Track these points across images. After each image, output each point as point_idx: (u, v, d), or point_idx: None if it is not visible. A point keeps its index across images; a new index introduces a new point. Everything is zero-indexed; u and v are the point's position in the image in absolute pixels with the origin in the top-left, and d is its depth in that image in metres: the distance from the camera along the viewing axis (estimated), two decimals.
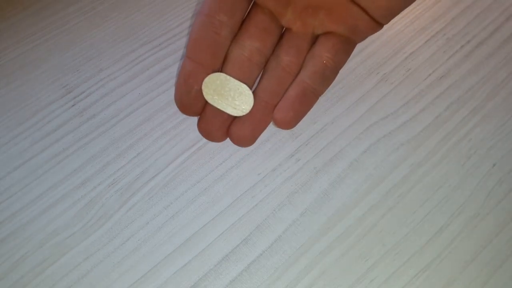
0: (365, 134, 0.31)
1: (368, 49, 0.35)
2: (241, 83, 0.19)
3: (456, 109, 0.31)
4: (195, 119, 0.32)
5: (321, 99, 0.32)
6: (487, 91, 0.32)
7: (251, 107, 0.20)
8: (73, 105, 0.34)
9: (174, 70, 0.35)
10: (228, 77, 0.19)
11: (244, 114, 0.20)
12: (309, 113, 0.31)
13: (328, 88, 0.33)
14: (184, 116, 0.33)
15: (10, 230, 0.28)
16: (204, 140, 0.31)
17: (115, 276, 0.26)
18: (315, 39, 0.20)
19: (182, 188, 0.29)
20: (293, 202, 0.28)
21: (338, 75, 0.34)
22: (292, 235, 0.27)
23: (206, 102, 0.20)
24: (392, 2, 0.18)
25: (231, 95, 0.19)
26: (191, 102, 0.19)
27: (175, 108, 0.33)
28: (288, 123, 0.20)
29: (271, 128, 0.31)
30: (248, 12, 0.20)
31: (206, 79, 0.19)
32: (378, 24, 0.19)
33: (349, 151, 0.30)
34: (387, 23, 0.19)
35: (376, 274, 0.26)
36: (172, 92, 0.34)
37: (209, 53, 0.19)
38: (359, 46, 0.35)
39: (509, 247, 0.26)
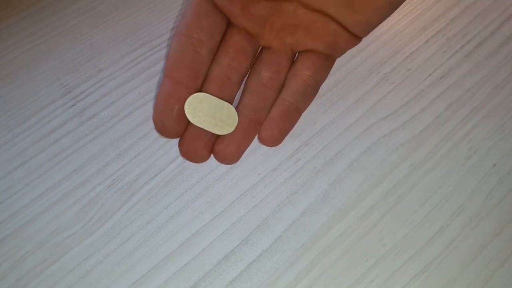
0: (365, 134, 0.31)
1: (368, 49, 0.35)
2: (224, 102, 0.19)
3: (456, 109, 0.31)
4: None
5: (321, 99, 0.32)
6: (487, 91, 0.32)
7: (236, 124, 0.20)
8: (73, 105, 0.34)
9: None
10: (211, 96, 0.19)
11: (229, 132, 0.20)
12: (309, 113, 0.31)
13: (328, 88, 0.33)
14: None
15: (10, 230, 0.28)
16: None
17: (115, 276, 0.26)
18: (294, 55, 0.20)
19: (182, 188, 0.29)
20: (293, 202, 0.28)
21: (338, 75, 0.34)
22: (292, 235, 0.27)
23: (188, 123, 0.19)
24: (370, 17, 0.18)
25: (216, 114, 0.19)
26: (173, 124, 0.19)
27: None
28: (274, 141, 0.20)
29: None
30: (225, 33, 0.20)
31: (190, 99, 0.19)
32: (357, 38, 0.19)
33: (349, 151, 0.30)
34: (365, 36, 0.19)
35: (376, 274, 0.26)
36: None
37: (190, 72, 0.19)
38: (359, 46, 0.35)
39: (509, 247, 0.26)
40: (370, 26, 0.19)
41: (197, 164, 0.30)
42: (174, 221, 0.28)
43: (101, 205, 0.29)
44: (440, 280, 0.25)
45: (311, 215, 0.28)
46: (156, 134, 0.32)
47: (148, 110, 0.33)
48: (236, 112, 0.20)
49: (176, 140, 0.31)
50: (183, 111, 0.19)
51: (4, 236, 0.28)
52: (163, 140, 0.31)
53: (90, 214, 0.29)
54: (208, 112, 0.19)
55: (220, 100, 0.19)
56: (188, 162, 0.30)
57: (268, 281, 0.26)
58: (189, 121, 0.19)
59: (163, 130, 0.19)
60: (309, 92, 0.20)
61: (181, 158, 0.30)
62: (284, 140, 0.21)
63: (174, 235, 0.28)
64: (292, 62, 0.21)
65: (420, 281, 0.25)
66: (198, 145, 0.19)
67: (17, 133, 0.32)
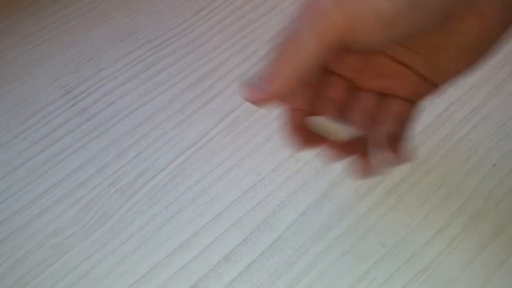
0: None
1: None
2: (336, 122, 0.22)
3: (456, 109, 0.31)
4: (195, 119, 0.32)
5: None
6: (487, 91, 0.32)
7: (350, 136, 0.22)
8: (73, 105, 0.34)
9: (174, 70, 0.35)
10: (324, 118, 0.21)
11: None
12: None
13: None
14: (184, 116, 0.33)
15: (10, 230, 0.28)
16: (204, 140, 0.31)
17: (115, 276, 0.26)
18: (383, 96, 0.23)
19: (182, 188, 0.29)
20: (293, 202, 0.28)
21: None
22: (292, 235, 0.27)
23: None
24: (453, 77, 0.20)
25: (330, 131, 0.22)
26: (299, 142, 0.22)
27: (175, 108, 0.33)
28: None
29: (271, 127, 0.31)
30: (326, 78, 0.22)
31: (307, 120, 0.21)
32: (439, 88, 0.21)
33: None
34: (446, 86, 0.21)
35: (376, 274, 0.26)
36: (171, 91, 0.34)
37: (304, 103, 0.21)
38: None
39: (509, 247, 0.26)
40: (452, 83, 0.20)
41: (197, 164, 0.30)
42: (174, 221, 0.28)
43: (101, 205, 0.29)
44: (440, 280, 0.25)
45: (311, 215, 0.28)
46: (156, 134, 0.32)
47: (148, 110, 0.33)
48: (347, 127, 0.21)
49: (176, 141, 0.31)
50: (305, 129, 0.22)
51: (4, 236, 0.28)
52: (163, 140, 0.31)
53: (90, 214, 0.29)
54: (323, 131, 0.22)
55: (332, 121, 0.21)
56: (187, 162, 0.30)
57: (268, 281, 0.26)
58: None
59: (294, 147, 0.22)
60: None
61: (181, 158, 0.30)
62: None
63: (174, 235, 0.28)
64: (381, 101, 0.23)
65: (420, 281, 0.25)
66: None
67: (17, 133, 0.33)
